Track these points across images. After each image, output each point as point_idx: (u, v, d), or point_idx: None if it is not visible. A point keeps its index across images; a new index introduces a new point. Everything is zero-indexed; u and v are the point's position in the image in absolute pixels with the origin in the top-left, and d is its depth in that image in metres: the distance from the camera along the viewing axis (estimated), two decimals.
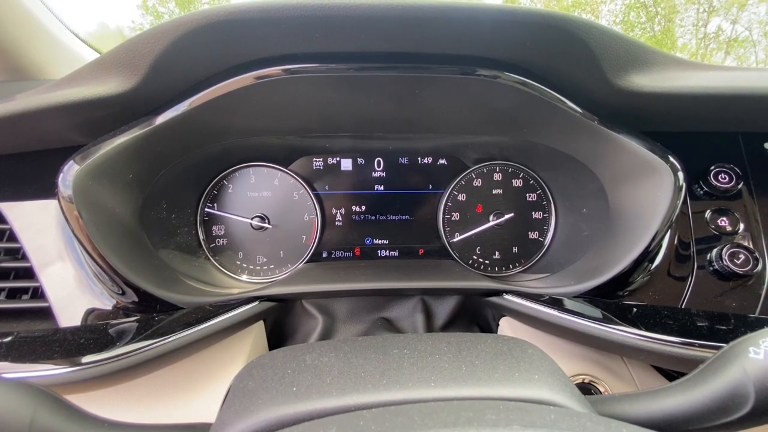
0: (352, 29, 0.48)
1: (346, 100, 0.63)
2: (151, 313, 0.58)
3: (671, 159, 0.57)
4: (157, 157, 0.62)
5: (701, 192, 0.66)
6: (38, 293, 0.60)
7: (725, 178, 0.64)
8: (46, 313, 0.57)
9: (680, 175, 0.56)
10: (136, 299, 0.58)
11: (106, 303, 0.60)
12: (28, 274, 0.60)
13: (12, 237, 0.61)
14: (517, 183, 0.81)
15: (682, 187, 0.56)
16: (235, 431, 0.26)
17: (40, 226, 0.60)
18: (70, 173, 0.52)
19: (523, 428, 0.21)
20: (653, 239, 0.57)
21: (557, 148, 0.69)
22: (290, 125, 0.71)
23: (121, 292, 0.57)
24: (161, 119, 0.57)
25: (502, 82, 0.56)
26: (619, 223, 0.63)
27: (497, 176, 0.81)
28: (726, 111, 0.60)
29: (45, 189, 0.62)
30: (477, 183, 0.81)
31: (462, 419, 0.22)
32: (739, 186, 0.64)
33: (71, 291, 0.59)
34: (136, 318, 0.57)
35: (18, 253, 0.61)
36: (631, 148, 0.58)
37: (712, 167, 0.65)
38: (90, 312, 0.59)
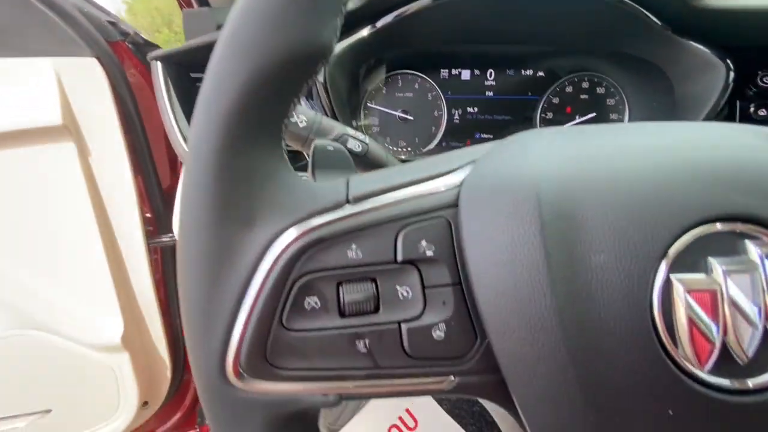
0: None
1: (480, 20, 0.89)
2: None
3: (728, 61, 0.80)
4: (357, 58, 0.92)
5: (751, 93, 0.88)
6: None
7: None
8: None
9: (731, 73, 0.79)
10: None
11: None
12: None
13: None
14: (600, 90, 1.04)
15: (730, 84, 0.79)
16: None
17: None
18: None
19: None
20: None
21: (637, 54, 0.92)
22: (436, 40, 0.99)
23: None
24: (365, 32, 0.87)
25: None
26: (681, 114, 0.87)
27: (585, 84, 1.05)
28: None
29: None
30: (568, 90, 1.05)
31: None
32: None
33: None
34: None
35: None
36: (698, 52, 0.81)
37: (759, 72, 0.86)
38: None
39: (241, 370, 0.29)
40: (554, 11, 0.85)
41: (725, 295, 0.26)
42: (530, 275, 0.27)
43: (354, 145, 0.55)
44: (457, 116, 1.11)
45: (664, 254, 0.26)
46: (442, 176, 0.32)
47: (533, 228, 0.27)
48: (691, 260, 0.26)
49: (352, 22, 0.84)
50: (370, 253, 0.30)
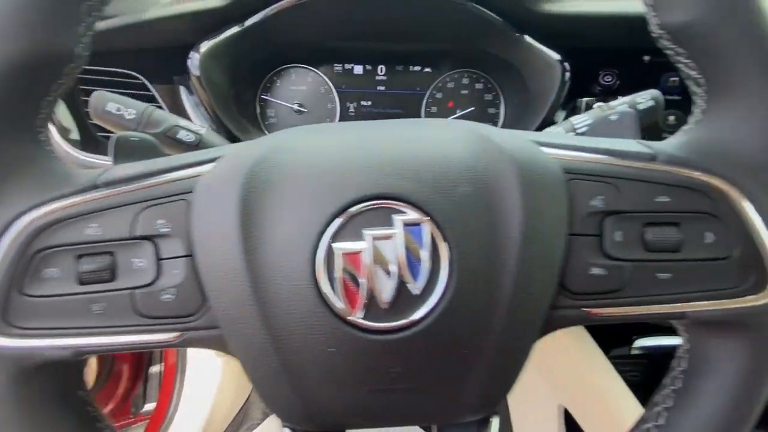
0: None
1: (361, 18, 0.95)
2: None
3: (565, 63, 0.90)
4: (237, 54, 0.96)
5: (596, 90, 0.99)
6: None
7: (609, 79, 0.97)
8: None
9: (567, 74, 0.89)
10: None
11: None
12: None
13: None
14: (478, 86, 1.13)
15: (567, 83, 0.89)
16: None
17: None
18: (195, 58, 0.87)
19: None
20: (543, 121, 0.92)
21: (497, 53, 1.01)
22: (318, 35, 1.04)
23: None
24: (236, 28, 0.90)
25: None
26: (533, 109, 0.98)
27: (464, 80, 1.13)
28: (611, 31, 0.92)
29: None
30: (450, 85, 1.13)
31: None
32: (617, 84, 0.97)
33: None
34: None
35: None
36: (540, 53, 0.91)
37: (600, 71, 0.97)
38: None
39: None
40: (408, 12, 0.92)
41: (371, 256, 0.33)
42: (224, 242, 0.34)
43: (185, 136, 0.59)
44: (352, 109, 1.17)
45: (327, 225, 0.33)
46: (192, 167, 0.38)
47: (233, 203, 0.34)
48: (349, 230, 0.33)
49: (220, 21, 0.88)
50: (109, 230, 0.35)
